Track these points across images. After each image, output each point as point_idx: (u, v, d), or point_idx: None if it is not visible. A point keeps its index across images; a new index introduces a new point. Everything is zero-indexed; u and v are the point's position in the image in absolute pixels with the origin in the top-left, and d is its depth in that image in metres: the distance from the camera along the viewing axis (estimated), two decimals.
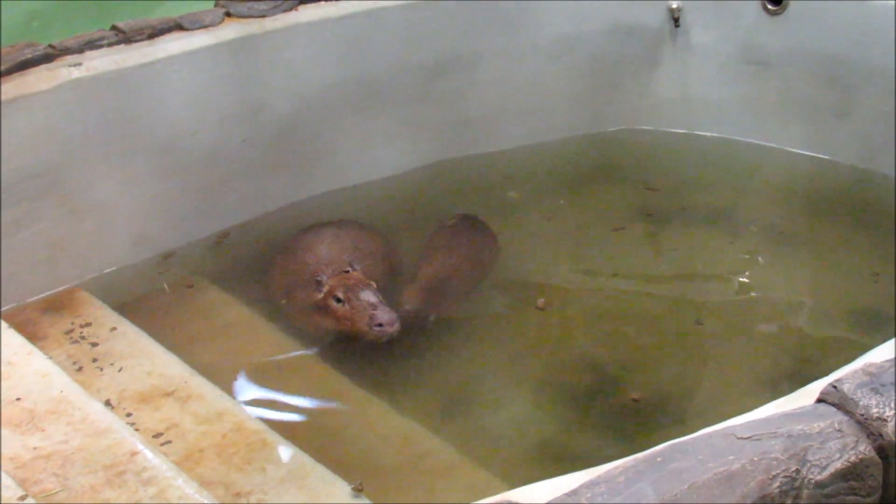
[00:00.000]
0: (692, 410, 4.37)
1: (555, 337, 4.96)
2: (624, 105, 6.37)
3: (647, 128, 6.40)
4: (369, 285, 4.75)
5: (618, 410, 4.49)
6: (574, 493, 2.51)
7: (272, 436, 4.14)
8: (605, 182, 6.10)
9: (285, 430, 4.21)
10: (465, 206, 5.76)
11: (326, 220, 5.43)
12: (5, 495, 3.12)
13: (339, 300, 4.72)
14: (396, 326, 4.65)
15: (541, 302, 5.08)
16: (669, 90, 6.32)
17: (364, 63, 5.76)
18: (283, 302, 5.02)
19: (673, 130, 6.36)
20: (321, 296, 4.76)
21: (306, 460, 4.03)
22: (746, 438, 2.54)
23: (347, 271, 4.83)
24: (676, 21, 6.17)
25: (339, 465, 4.09)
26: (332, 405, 4.52)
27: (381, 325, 4.63)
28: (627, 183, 6.08)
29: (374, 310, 4.66)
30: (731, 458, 2.47)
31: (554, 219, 5.81)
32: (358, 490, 3.82)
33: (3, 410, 3.84)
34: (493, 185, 6.06)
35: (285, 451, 4.09)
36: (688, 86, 6.26)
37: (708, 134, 6.32)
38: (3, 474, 3.23)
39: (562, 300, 5.18)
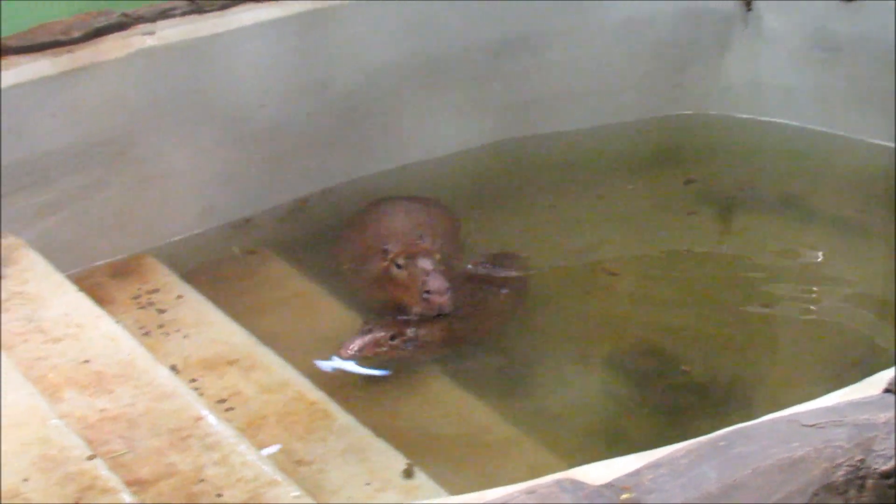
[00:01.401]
0: (757, 396, 4.36)
1: (620, 317, 4.96)
2: (692, 89, 6.33)
3: (715, 113, 6.36)
4: (431, 255, 4.76)
5: (682, 395, 4.48)
6: (635, 473, 2.51)
7: (333, 407, 4.18)
8: (672, 166, 6.07)
9: (346, 402, 4.25)
10: (528, 185, 5.76)
11: (389, 195, 5.46)
12: (74, 454, 3.19)
13: (399, 266, 4.76)
14: (447, 297, 4.64)
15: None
16: (739, 75, 6.27)
17: (431, 40, 5.79)
18: (349, 272, 5.06)
19: (741, 116, 6.31)
20: (385, 264, 4.80)
21: (365, 433, 4.07)
22: (811, 426, 2.53)
23: (416, 242, 4.87)
24: (748, 5, 6.13)
25: (398, 439, 4.12)
26: (393, 379, 4.55)
27: (429, 291, 4.64)
28: (695, 167, 6.04)
29: (426, 276, 4.69)
30: (795, 444, 2.47)
31: (619, 201, 5.79)
32: (407, 473, 3.83)
33: (71, 373, 3.91)
34: (557, 165, 6.05)
35: (346, 423, 4.12)
36: (757, 71, 6.21)
37: (776, 120, 6.27)
38: (72, 434, 3.29)
39: (628, 282, 5.18)
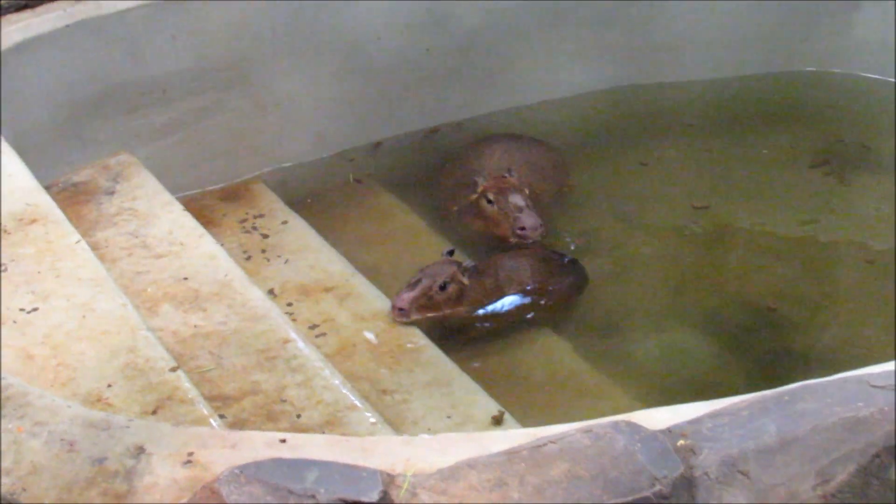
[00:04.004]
0: (844, 357, 4.26)
1: (717, 271, 4.90)
2: (818, 45, 6.13)
3: (840, 71, 6.16)
4: (521, 190, 4.77)
5: (773, 352, 4.41)
6: (696, 421, 2.49)
7: (423, 340, 4.23)
8: (794, 122, 5.92)
9: (436, 337, 4.29)
10: (642, 133, 5.69)
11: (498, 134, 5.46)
12: (159, 365, 3.28)
13: (489, 201, 4.77)
14: (540, 231, 4.68)
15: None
16: (868, 33, 6.04)
17: None
18: (445, 205, 5.09)
19: (867, 75, 6.10)
20: (475, 196, 4.82)
21: (452, 368, 4.11)
22: (880, 387, 2.47)
23: (504, 176, 4.87)
24: None
25: (485, 377, 4.15)
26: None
27: (523, 228, 4.66)
28: (816, 125, 5.88)
29: (518, 213, 4.70)
30: (860, 404, 2.41)
31: (737, 153, 5.69)
32: (497, 420, 3.83)
33: (169, 288, 4.02)
34: (672, 115, 5.96)
35: (434, 357, 4.17)
36: (889, 31, 5.97)
37: None
38: (159, 346, 3.39)
39: (731, 234, 5.10)
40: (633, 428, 2.45)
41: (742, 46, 6.10)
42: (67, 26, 4.67)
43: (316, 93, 5.39)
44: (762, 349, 4.44)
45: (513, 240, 4.71)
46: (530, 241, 4.69)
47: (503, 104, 5.90)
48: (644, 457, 2.36)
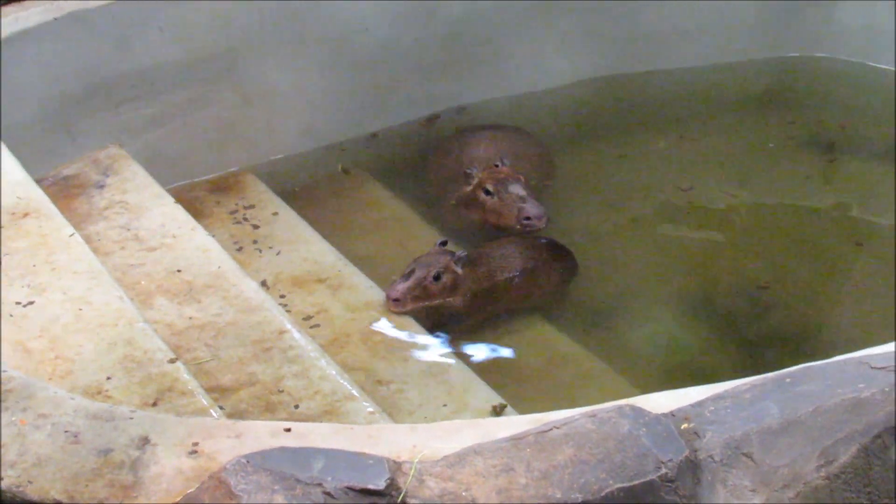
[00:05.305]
0: (838, 339, 4.29)
1: (708, 256, 4.93)
2: (804, 31, 6.15)
3: (824, 55, 6.18)
4: (518, 179, 4.78)
5: (764, 337, 4.44)
6: (699, 404, 2.51)
7: (417, 328, 4.24)
8: (779, 107, 5.95)
9: (430, 326, 4.30)
10: (631, 122, 5.72)
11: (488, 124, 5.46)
12: (157, 357, 3.28)
13: (488, 192, 4.77)
14: (545, 221, 4.68)
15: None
16: (852, 18, 6.06)
17: None
18: (435, 195, 5.09)
19: (851, 60, 6.12)
20: (470, 188, 4.82)
21: (447, 357, 4.13)
22: (880, 369, 2.49)
23: (497, 166, 4.88)
24: None
25: (480, 365, 4.18)
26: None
27: (529, 218, 4.67)
28: (801, 110, 5.91)
29: (522, 203, 4.70)
30: (861, 386, 2.44)
31: (724, 139, 5.72)
32: (497, 410, 3.83)
33: (163, 281, 4.01)
34: (662, 103, 5.98)
35: (428, 346, 4.18)
36: (872, 15, 6.00)
37: (887, 67, 6.06)
38: (157, 338, 3.39)
39: (720, 219, 5.13)
40: (637, 412, 2.47)
41: (727, 34, 6.11)
42: (56, 19, 4.65)
43: (304, 84, 5.37)
44: (755, 332, 4.47)
45: (518, 229, 4.70)
46: (536, 229, 4.68)
47: (493, 94, 5.89)
48: (649, 440, 2.38)
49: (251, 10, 5.10)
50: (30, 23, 4.63)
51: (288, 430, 2.52)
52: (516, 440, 2.39)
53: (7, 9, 4.67)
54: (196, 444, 2.47)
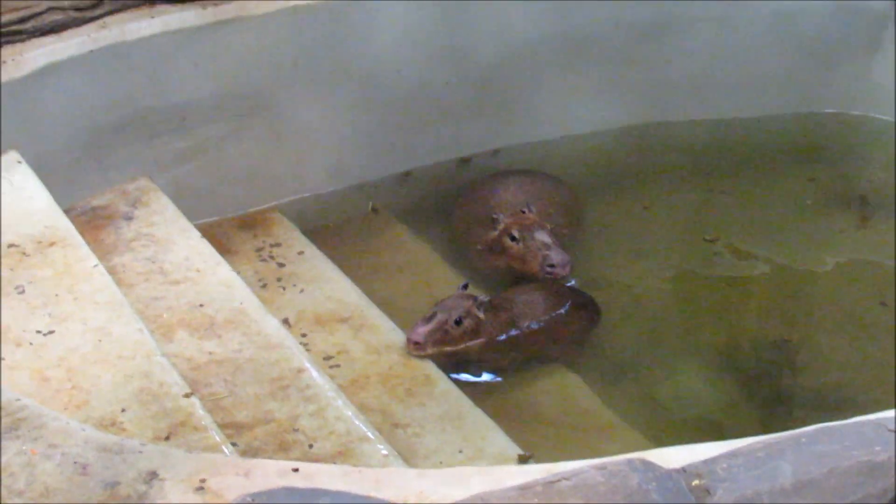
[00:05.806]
0: (859, 399, 4.25)
1: (732, 310, 4.90)
2: (837, 88, 6.12)
3: (858, 113, 6.16)
4: (544, 227, 4.79)
5: (787, 394, 4.40)
6: (711, 461, 2.48)
7: (436, 373, 4.23)
8: (811, 163, 5.92)
9: (450, 371, 4.30)
10: (660, 171, 5.70)
11: (515, 170, 5.47)
12: (173, 391, 3.28)
13: (513, 238, 4.79)
14: (568, 269, 4.69)
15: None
16: (886, 77, 6.04)
17: (574, 18, 5.72)
18: (460, 239, 5.10)
19: (886, 118, 6.10)
20: (496, 234, 4.83)
21: (465, 402, 4.11)
22: None
23: (524, 212, 4.89)
24: None
25: (499, 412, 4.15)
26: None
27: (553, 265, 4.67)
28: (833, 166, 5.89)
29: (547, 250, 4.71)
30: (877, 448, 2.40)
31: (753, 192, 5.69)
32: (524, 459, 3.81)
33: (185, 315, 4.02)
34: (688, 155, 5.96)
35: (447, 391, 4.17)
36: None
37: None
38: (174, 371, 3.39)
39: (746, 272, 5.11)
40: (648, 466, 2.44)
41: (760, 87, 6.10)
42: (91, 52, 4.69)
43: (335, 124, 5.40)
44: (776, 388, 4.43)
45: (541, 276, 4.71)
46: (560, 277, 4.69)
47: (521, 139, 5.90)
48: (658, 496, 2.35)
49: (285, 47, 5.12)
50: (66, 54, 4.67)
51: (296, 469, 2.50)
52: (524, 489, 2.36)
53: (45, 39, 4.72)
54: (203, 480, 2.46)
